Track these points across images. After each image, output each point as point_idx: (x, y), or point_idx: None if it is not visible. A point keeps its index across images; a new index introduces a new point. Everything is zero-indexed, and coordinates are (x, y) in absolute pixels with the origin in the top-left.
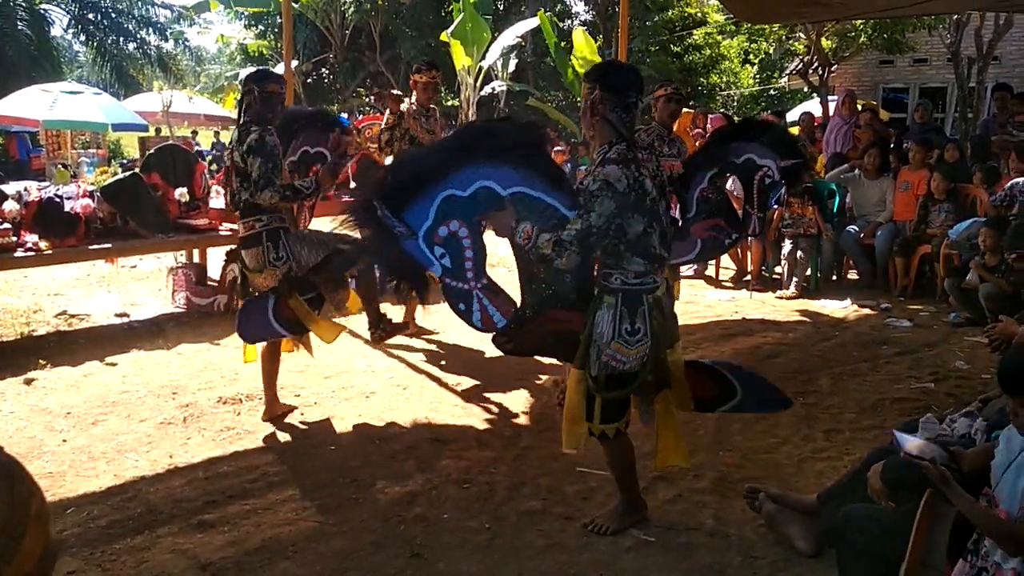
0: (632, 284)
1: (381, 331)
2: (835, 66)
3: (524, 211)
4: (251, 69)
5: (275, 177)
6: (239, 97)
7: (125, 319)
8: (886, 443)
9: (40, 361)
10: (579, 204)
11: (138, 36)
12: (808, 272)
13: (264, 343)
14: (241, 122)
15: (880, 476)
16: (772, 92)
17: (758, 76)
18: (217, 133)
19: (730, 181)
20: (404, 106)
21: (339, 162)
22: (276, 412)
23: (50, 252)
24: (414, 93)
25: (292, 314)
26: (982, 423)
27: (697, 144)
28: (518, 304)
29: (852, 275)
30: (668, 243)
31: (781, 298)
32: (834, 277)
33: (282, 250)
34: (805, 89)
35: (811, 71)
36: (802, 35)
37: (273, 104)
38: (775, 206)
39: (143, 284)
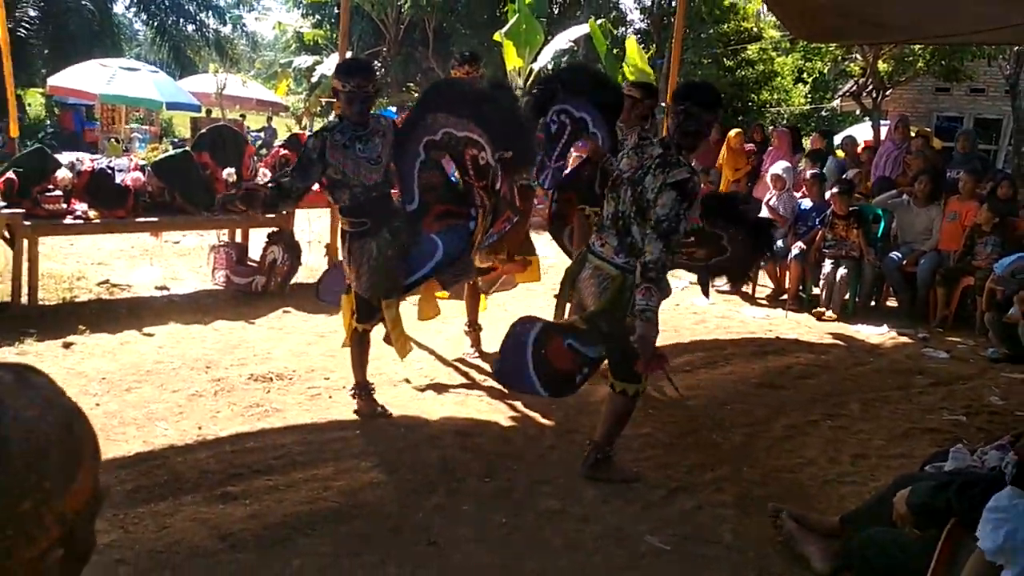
0: None
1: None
2: (890, 90)
3: None
4: (304, 57)
5: (290, 175)
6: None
7: (165, 292)
8: (913, 470)
9: (80, 326)
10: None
11: (197, 18)
12: (847, 296)
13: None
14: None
15: (906, 501)
16: (824, 113)
17: (810, 96)
18: (269, 118)
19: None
20: None
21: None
22: (364, 409)
23: (98, 222)
24: None
25: None
26: (1012, 457)
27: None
28: None
29: (891, 302)
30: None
31: (818, 316)
32: (872, 303)
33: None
34: (857, 112)
35: (865, 93)
36: (858, 56)
37: (350, 101)
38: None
39: (184, 260)
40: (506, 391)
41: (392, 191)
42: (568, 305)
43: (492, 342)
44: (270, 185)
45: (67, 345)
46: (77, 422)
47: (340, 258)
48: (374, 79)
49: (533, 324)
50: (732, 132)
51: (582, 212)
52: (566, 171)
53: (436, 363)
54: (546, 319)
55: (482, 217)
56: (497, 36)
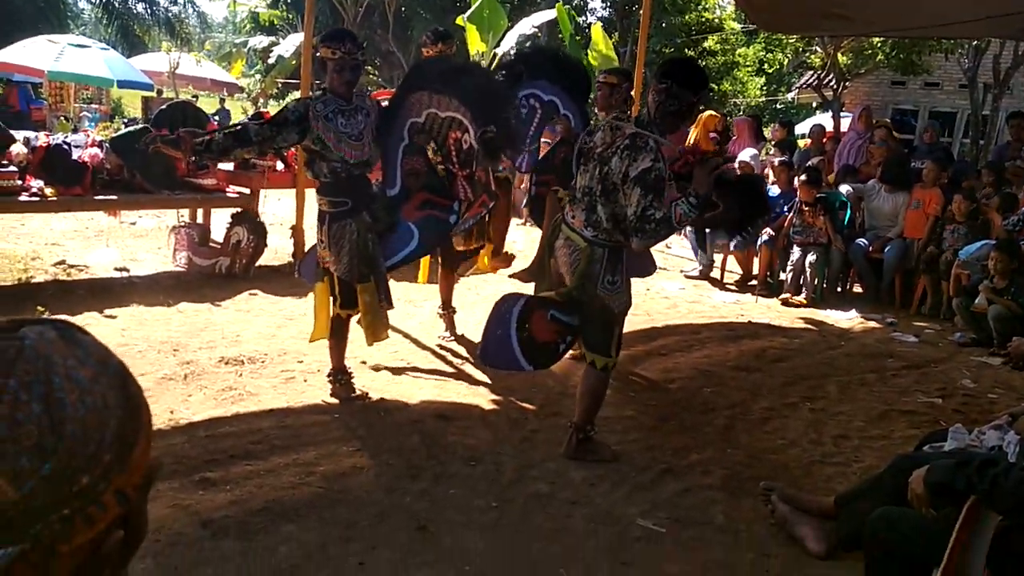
0: None
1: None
2: (848, 82)
3: None
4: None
5: (260, 124)
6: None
7: (125, 274)
8: (895, 451)
9: (38, 308)
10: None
11: None
12: (816, 281)
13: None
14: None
15: (924, 480)
16: (779, 106)
17: (765, 88)
18: (222, 100)
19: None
20: None
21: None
22: (341, 393)
23: (55, 199)
24: None
25: None
26: (1014, 436)
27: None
28: None
29: (856, 288)
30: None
31: (787, 302)
32: (839, 288)
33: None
34: (813, 104)
35: (825, 85)
36: (819, 49)
37: (340, 69)
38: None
39: (142, 241)
40: (484, 374)
41: (370, 174)
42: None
43: (466, 325)
44: (232, 129)
45: None
46: (132, 383)
47: (318, 239)
48: (363, 48)
49: (516, 300)
50: (707, 113)
51: (555, 194)
52: (541, 154)
53: (412, 347)
54: (528, 294)
55: (463, 211)
56: (460, 20)
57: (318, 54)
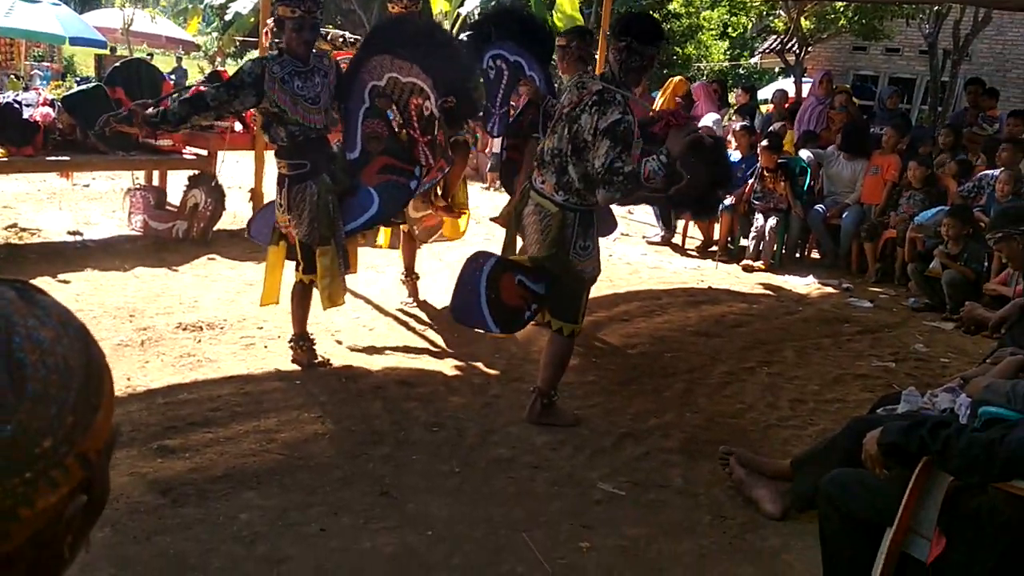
0: None
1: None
2: (810, 47)
3: None
4: None
5: (216, 87)
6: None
7: (78, 238)
8: (850, 414)
9: None
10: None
11: None
12: (775, 247)
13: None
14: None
15: (877, 441)
16: (741, 70)
17: (728, 52)
18: (179, 58)
19: None
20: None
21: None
22: (302, 359)
23: (5, 160)
24: None
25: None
26: (966, 399)
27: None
28: None
29: (814, 254)
30: None
31: (748, 268)
32: (797, 254)
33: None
34: (776, 69)
35: (788, 50)
36: (782, 12)
37: (299, 28)
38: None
39: (96, 204)
40: (446, 341)
41: (329, 135)
42: (519, 240)
43: (429, 291)
44: (186, 96)
45: None
46: (93, 345)
47: (277, 203)
48: (320, 7)
49: (487, 259)
50: (676, 79)
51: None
52: (511, 117)
53: (374, 313)
54: (498, 254)
55: (424, 176)
56: None
57: (276, 12)
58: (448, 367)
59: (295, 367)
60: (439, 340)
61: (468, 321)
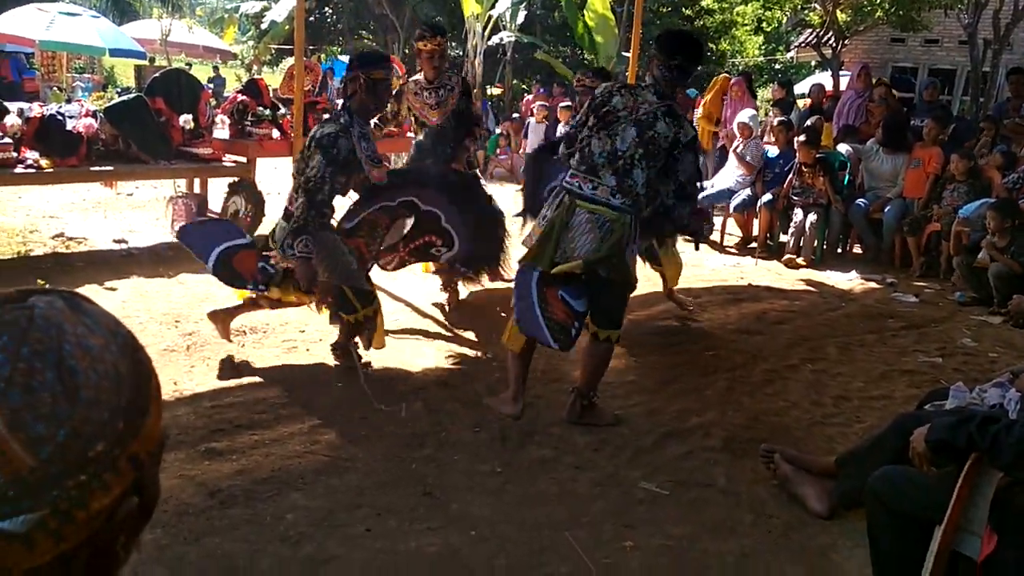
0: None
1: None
2: (847, 40)
3: None
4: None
5: (329, 184)
6: (343, 81)
7: (123, 245)
8: (896, 411)
9: (38, 281)
10: None
11: None
12: (816, 243)
13: None
14: (340, 106)
15: (925, 439)
16: (777, 65)
17: (763, 47)
18: (216, 67)
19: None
20: (402, 81)
21: None
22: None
23: (51, 170)
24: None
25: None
26: (1015, 394)
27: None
28: None
29: (856, 249)
30: None
31: (791, 263)
32: (839, 250)
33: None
34: (812, 63)
35: (824, 43)
36: (817, 6)
37: (379, 92)
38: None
39: (140, 212)
40: (483, 343)
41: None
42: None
43: (467, 292)
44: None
45: None
46: (141, 351)
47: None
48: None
49: (531, 271)
50: (722, 76)
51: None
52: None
53: (413, 315)
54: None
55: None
56: None
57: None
58: (487, 368)
59: (337, 370)
60: (479, 341)
61: (532, 332)
